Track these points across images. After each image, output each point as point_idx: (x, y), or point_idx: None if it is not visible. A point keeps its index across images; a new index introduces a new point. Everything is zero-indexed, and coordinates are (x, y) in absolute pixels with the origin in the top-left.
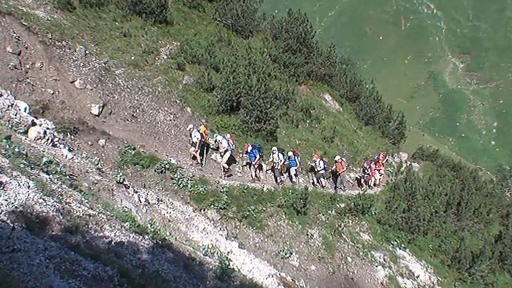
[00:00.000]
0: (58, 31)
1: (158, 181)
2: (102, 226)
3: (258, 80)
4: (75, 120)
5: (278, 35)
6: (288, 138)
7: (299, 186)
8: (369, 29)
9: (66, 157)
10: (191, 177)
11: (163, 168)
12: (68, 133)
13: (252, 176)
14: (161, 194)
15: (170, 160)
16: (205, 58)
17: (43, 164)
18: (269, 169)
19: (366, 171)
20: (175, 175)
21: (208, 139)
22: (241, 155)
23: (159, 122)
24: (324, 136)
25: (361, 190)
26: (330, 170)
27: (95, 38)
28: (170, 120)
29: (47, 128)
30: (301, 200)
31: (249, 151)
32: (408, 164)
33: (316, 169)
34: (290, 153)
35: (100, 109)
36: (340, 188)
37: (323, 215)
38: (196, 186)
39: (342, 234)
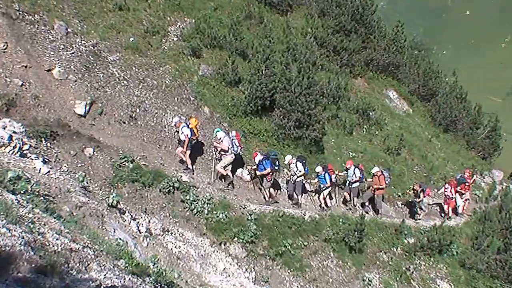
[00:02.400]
0: (29, 0)
1: (164, 205)
2: (88, 265)
3: (299, 71)
4: (53, 121)
5: (326, 11)
6: (338, 149)
7: (332, 209)
8: (451, 0)
9: (39, 171)
10: (208, 200)
11: (170, 188)
12: (43, 139)
13: (265, 197)
14: (167, 222)
15: (181, 176)
16: (228, 41)
17: (7, 181)
18: (312, 191)
19: (445, 195)
20: (187, 197)
21: (200, 136)
22: (249, 163)
23: (166, 126)
24: (387, 146)
25: (438, 221)
26: (365, 183)
27: (80, 11)
28: (181, 123)
29: (14, 132)
30: (356, 233)
31: (257, 161)
32: (504, 187)
33: (348, 180)
34: (319, 168)
35: (87, 108)
36: (379, 212)
37: (385, 253)
38: (214, 212)
39: (412, 280)
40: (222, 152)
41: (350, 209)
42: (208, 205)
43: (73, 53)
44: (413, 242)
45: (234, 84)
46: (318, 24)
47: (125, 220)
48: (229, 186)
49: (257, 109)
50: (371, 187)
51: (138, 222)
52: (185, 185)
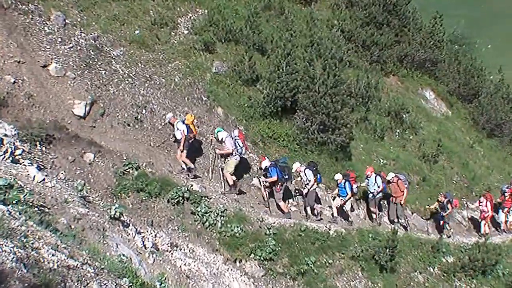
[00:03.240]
0: None
1: (172, 217)
2: (88, 284)
3: (324, 68)
4: (49, 123)
5: (355, 1)
6: (367, 156)
7: (359, 223)
8: None
9: (33, 179)
10: (221, 212)
11: (180, 198)
12: (38, 143)
13: (266, 205)
14: (176, 237)
15: (191, 185)
16: (245, 34)
17: None
18: (336, 202)
19: (480, 210)
20: (198, 209)
21: (198, 133)
22: (257, 167)
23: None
24: (423, 153)
25: (481, 237)
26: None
27: (80, 0)
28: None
29: (5, 135)
30: (387, 250)
31: (263, 167)
32: None
33: (369, 191)
34: (338, 176)
35: (87, 108)
36: (401, 224)
37: (420, 273)
38: (229, 226)
39: None
40: (222, 152)
41: (380, 224)
42: (222, 217)
43: (71, 47)
44: (452, 261)
45: (251, 82)
46: (345, 15)
47: (129, 234)
48: (235, 192)
49: (276, 111)
50: (391, 198)
51: (143, 236)
52: (196, 195)
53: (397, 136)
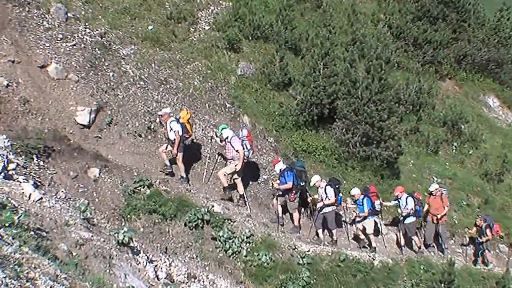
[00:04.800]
0: None
1: (190, 243)
2: None
3: (368, 71)
4: (47, 133)
5: None
6: (418, 173)
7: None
8: None
9: (29, 197)
10: (247, 237)
11: (199, 221)
12: (34, 156)
13: (277, 216)
14: (194, 266)
15: (212, 206)
16: (276, 30)
17: None
18: (346, 221)
19: None
20: (220, 233)
21: (193, 133)
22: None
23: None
24: (486, 171)
25: None
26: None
27: None
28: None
29: None
30: (443, 285)
31: (277, 170)
32: None
33: (401, 213)
34: (356, 191)
35: (92, 116)
36: (443, 249)
37: None
38: (255, 254)
39: None
40: (228, 155)
41: (420, 252)
42: (248, 244)
43: (74, 45)
44: None
45: (283, 87)
46: (393, 8)
47: (140, 263)
48: (225, 198)
49: (312, 120)
50: (430, 215)
51: (156, 266)
52: (217, 218)
53: (454, 150)
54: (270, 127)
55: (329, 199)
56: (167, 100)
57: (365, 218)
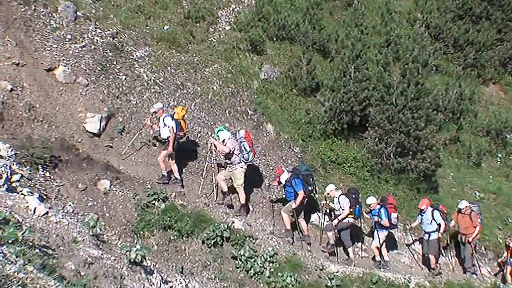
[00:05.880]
0: None
1: (208, 262)
2: None
3: (403, 75)
4: (54, 142)
5: None
6: (459, 187)
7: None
8: None
9: (34, 211)
10: (270, 257)
11: (218, 238)
12: (40, 167)
13: (301, 231)
14: (212, 287)
15: (232, 222)
16: (302, 31)
17: None
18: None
19: None
20: (241, 252)
21: (188, 131)
22: (268, 181)
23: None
24: None
25: None
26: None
27: None
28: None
29: (0, 157)
30: None
31: (282, 182)
32: None
33: (424, 230)
34: (372, 200)
35: (103, 123)
36: (470, 271)
37: None
38: (279, 274)
39: None
40: (228, 161)
41: (438, 274)
42: (271, 263)
43: (84, 46)
44: None
45: (310, 92)
46: (432, 6)
47: (153, 284)
48: (226, 202)
49: (342, 128)
50: (460, 235)
51: (171, 286)
52: (238, 235)
53: (499, 162)
54: (296, 136)
55: (342, 210)
56: (184, 106)
57: (381, 229)
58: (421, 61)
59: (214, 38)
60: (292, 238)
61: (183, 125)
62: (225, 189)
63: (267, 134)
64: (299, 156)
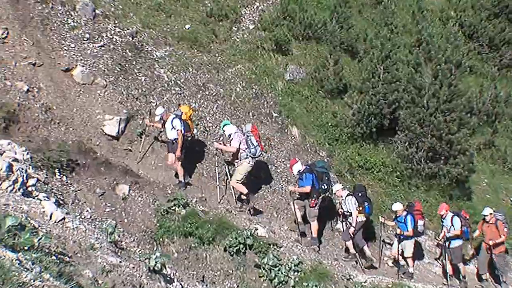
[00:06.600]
0: None
1: (230, 271)
2: None
3: (435, 76)
4: (71, 145)
5: None
6: (494, 194)
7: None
8: None
9: (50, 217)
10: (295, 265)
11: (240, 246)
12: (57, 171)
13: (298, 231)
14: None
15: (256, 229)
16: (330, 30)
17: (5, 232)
18: (385, 242)
19: None
20: (265, 260)
21: (194, 130)
22: (285, 177)
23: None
24: None
25: None
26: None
27: None
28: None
29: (15, 160)
30: None
31: (295, 172)
32: None
33: (445, 235)
34: (398, 206)
35: (122, 126)
36: (501, 282)
37: None
38: (305, 284)
39: None
40: (236, 159)
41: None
42: (296, 273)
43: (102, 45)
44: None
45: (337, 94)
46: (466, 4)
47: None
48: (249, 210)
49: (370, 132)
50: (484, 244)
51: None
52: (261, 243)
53: None
54: (322, 139)
55: (349, 212)
56: (205, 108)
57: (405, 238)
58: (454, 61)
59: (237, 38)
60: (318, 247)
61: (190, 125)
62: (245, 191)
63: (292, 137)
64: (326, 160)
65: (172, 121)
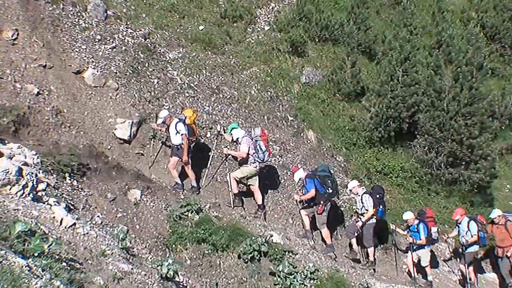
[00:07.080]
0: None
1: (244, 279)
2: None
3: (455, 79)
4: (82, 149)
5: None
6: None
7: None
8: None
9: (61, 223)
10: (311, 273)
11: (255, 252)
12: (67, 176)
13: (305, 234)
14: None
15: (270, 235)
16: (347, 31)
17: (15, 238)
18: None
19: None
20: (280, 268)
21: (198, 133)
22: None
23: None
24: None
25: None
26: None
27: None
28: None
29: (24, 164)
30: None
31: (296, 180)
32: None
33: (460, 243)
34: (409, 215)
35: (134, 129)
36: (507, 285)
37: None
38: None
39: None
40: (242, 162)
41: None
42: (312, 280)
43: (114, 47)
44: None
45: (355, 97)
46: (488, 5)
47: None
48: (235, 207)
49: (388, 136)
50: (496, 248)
51: None
52: (276, 249)
53: None
54: (339, 144)
55: (366, 211)
56: (220, 111)
57: (419, 247)
58: (476, 63)
59: (252, 39)
60: (334, 254)
61: (195, 129)
62: (236, 190)
63: (308, 141)
64: (343, 165)
65: (176, 126)
